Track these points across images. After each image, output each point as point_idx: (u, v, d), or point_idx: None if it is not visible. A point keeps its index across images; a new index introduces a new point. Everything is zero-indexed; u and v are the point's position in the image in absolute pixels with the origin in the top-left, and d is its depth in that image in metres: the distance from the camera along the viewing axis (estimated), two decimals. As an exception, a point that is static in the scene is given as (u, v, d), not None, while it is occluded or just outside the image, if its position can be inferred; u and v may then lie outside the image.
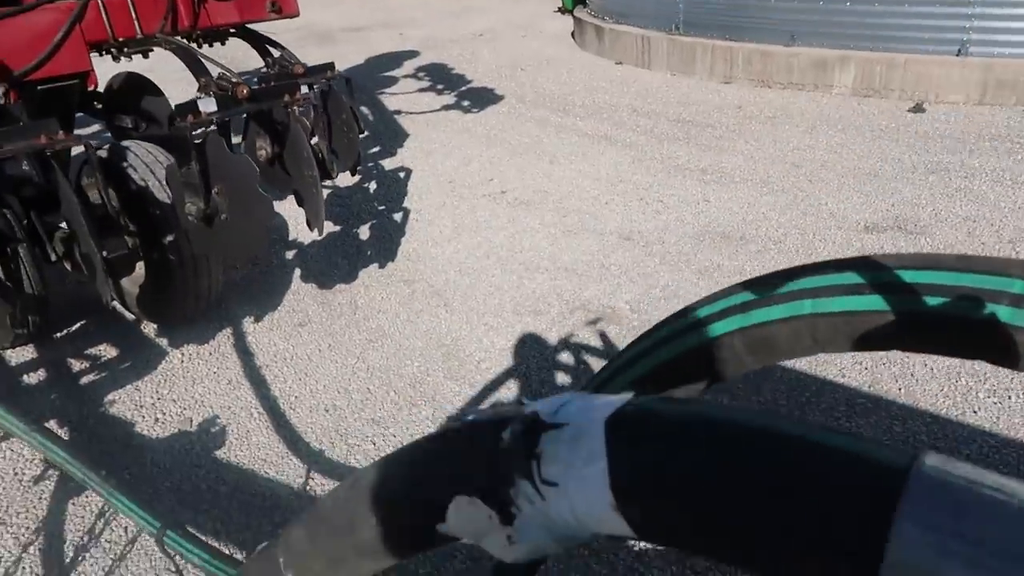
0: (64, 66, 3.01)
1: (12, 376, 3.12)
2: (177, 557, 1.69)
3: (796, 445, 0.34)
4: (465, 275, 3.78)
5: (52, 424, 2.76)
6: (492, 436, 0.45)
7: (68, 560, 2.18)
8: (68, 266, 2.86)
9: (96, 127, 5.64)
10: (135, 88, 3.91)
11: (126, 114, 4.00)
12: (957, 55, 6.02)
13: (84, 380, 3.09)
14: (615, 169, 5.10)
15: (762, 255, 3.74)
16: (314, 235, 3.59)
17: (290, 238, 4.34)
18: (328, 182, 3.92)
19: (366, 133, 4.11)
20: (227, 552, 1.97)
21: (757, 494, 0.34)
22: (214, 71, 3.11)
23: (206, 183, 2.87)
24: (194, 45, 3.45)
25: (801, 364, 2.83)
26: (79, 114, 3.91)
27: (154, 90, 3.90)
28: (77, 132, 3.20)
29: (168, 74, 4.57)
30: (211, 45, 3.75)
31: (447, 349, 3.16)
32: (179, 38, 3.33)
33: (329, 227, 4.30)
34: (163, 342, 3.32)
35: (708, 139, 5.59)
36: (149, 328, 3.43)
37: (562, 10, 11.84)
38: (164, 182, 2.97)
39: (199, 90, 3.13)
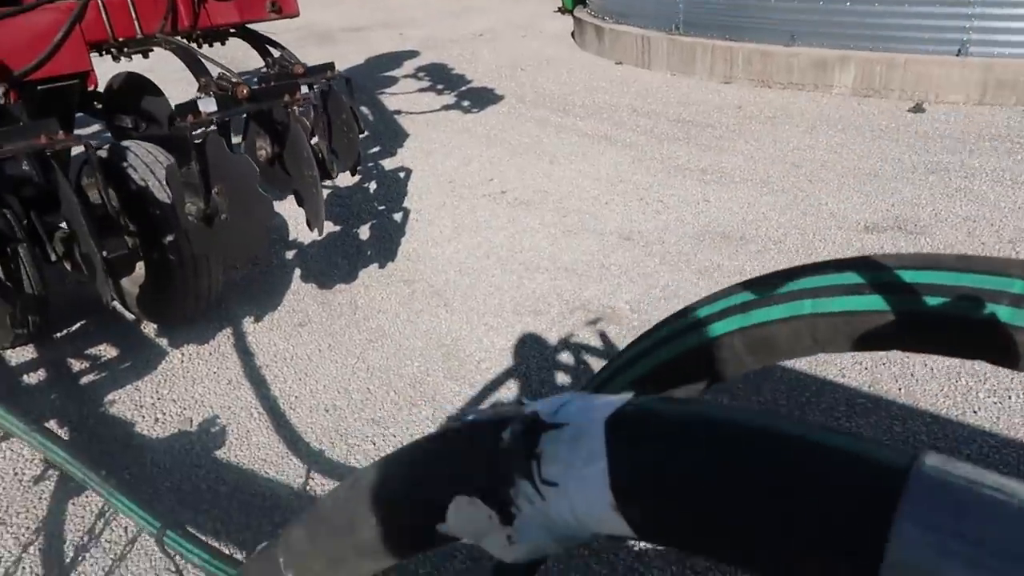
0: (64, 66, 3.01)
1: (12, 376, 3.12)
2: (177, 557, 1.69)
3: (796, 445, 0.34)
4: (465, 275, 3.79)
5: (52, 424, 2.76)
6: (492, 436, 0.45)
7: (68, 560, 2.18)
8: (68, 266, 2.86)
9: (96, 127, 5.64)
10: (135, 88, 3.91)
11: (126, 114, 4.00)
12: (957, 55, 6.02)
13: (84, 380, 3.09)
14: (615, 169, 5.10)
15: (762, 255, 3.74)
16: (314, 235, 3.59)
17: (290, 238, 4.34)
18: (328, 182, 3.91)
19: (366, 133, 4.11)
20: (227, 552, 1.96)
21: (757, 494, 0.34)
22: (214, 71, 3.11)
23: (206, 183, 2.87)
24: (194, 45, 3.45)
25: (801, 364, 2.83)
26: (79, 114, 3.91)
27: (154, 90, 3.90)
28: (77, 132, 3.20)
29: (168, 74, 4.57)
30: (211, 45, 3.75)
31: (447, 349, 3.16)
32: (179, 38, 3.33)
33: (329, 227, 4.30)
34: (163, 342, 3.32)
35: (708, 139, 5.59)
36: (149, 328, 3.43)
37: (562, 10, 11.84)
38: (164, 182, 2.97)
39: (199, 90, 3.13)
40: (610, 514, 0.39)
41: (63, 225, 2.81)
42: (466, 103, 7.04)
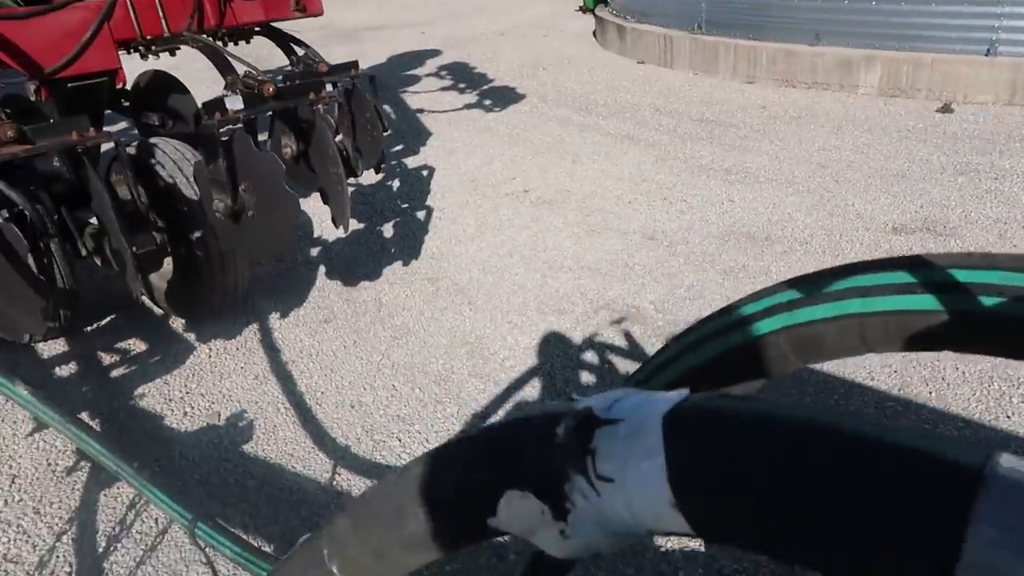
0: (93, 64, 3.05)
1: (45, 369, 3.17)
2: (208, 549, 1.71)
3: (868, 444, 0.34)
4: (489, 273, 3.79)
5: (84, 417, 2.80)
6: (545, 431, 0.45)
7: (100, 550, 2.21)
8: (98, 261, 2.90)
9: (123, 124, 5.72)
10: (162, 86, 3.97)
11: (153, 111, 4.06)
12: (986, 55, 5.93)
13: (114, 373, 3.13)
14: (638, 168, 5.09)
15: (788, 256, 3.71)
16: (339, 232, 3.62)
17: (315, 235, 4.37)
18: (352, 180, 3.94)
19: (389, 132, 4.13)
20: (255, 546, 1.98)
21: (827, 493, 0.34)
22: (240, 69, 3.14)
23: (233, 180, 2.90)
24: (219, 43, 3.48)
25: (829, 366, 2.80)
26: (106, 111, 3.96)
27: (180, 88, 3.95)
28: (105, 129, 3.24)
29: (193, 73, 4.62)
30: (236, 43, 3.78)
31: (471, 347, 3.17)
32: (205, 36, 3.37)
33: (353, 225, 4.33)
34: (191, 337, 3.36)
35: (732, 139, 5.55)
36: (177, 323, 3.47)
37: (583, 9, 11.82)
38: (192, 179, 3.01)
39: (226, 88, 3.16)
40: (668, 511, 0.39)
41: (93, 221, 2.85)
42: (488, 102, 7.05)
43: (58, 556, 2.21)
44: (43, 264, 2.84)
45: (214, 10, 3.42)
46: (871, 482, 0.33)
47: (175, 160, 3.08)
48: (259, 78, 3.06)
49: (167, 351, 3.26)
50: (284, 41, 3.71)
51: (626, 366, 2.98)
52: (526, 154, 5.55)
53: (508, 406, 2.79)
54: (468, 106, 7.01)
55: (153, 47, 3.46)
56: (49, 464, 2.62)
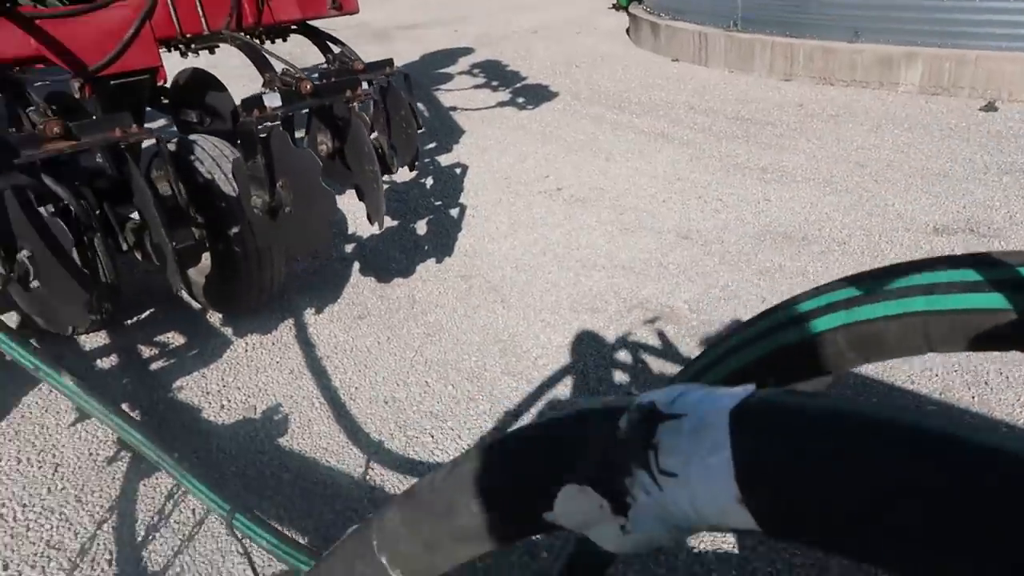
0: (135, 61, 3.10)
1: (87, 361, 3.23)
2: (244, 540, 1.73)
3: (945, 441, 0.33)
4: (522, 271, 3.79)
5: (124, 408, 2.85)
6: (606, 425, 0.44)
7: (139, 539, 2.25)
8: (138, 256, 2.95)
9: (162, 121, 5.82)
10: (200, 84, 4.03)
11: (191, 109, 4.12)
12: (1033, 51, 5.78)
13: (153, 366, 3.19)
14: (672, 167, 5.05)
15: (825, 256, 3.66)
16: (373, 229, 3.64)
17: (349, 232, 4.40)
18: (386, 177, 3.96)
19: (423, 129, 4.14)
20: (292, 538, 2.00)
21: (901, 491, 0.33)
22: (278, 67, 3.17)
23: (271, 176, 2.93)
24: (256, 41, 3.52)
25: (868, 369, 2.76)
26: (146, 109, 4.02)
27: (218, 86, 4.00)
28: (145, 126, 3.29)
29: (230, 70, 4.69)
30: (273, 41, 3.82)
31: (504, 344, 3.17)
32: (243, 34, 3.41)
33: (386, 222, 4.34)
34: (228, 331, 3.41)
35: (768, 137, 5.48)
36: (215, 317, 3.52)
37: (617, 7, 11.75)
38: (230, 175, 3.05)
39: (264, 85, 3.20)
40: (734, 506, 0.39)
41: (133, 216, 2.91)
42: (521, 100, 7.05)
43: (99, 544, 2.26)
44: (87, 258, 2.91)
45: (252, 9, 3.46)
46: (957, 484, 0.32)
47: (214, 157, 3.13)
48: (297, 76, 3.09)
49: (205, 345, 3.31)
50: (320, 39, 3.74)
51: (660, 366, 2.96)
52: (559, 152, 5.53)
53: (541, 404, 2.79)
54: (501, 104, 7.01)
55: (193, 45, 3.51)
56: (91, 454, 2.67)
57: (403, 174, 4.71)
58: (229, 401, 2.92)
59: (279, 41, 3.84)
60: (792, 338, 0.64)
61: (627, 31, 10.10)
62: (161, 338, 3.38)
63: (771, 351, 0.67)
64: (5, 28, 2.74)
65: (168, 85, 4.08)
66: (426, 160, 5.53)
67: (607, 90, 7.23)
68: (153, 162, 3.09)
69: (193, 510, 2.35)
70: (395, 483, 2.44)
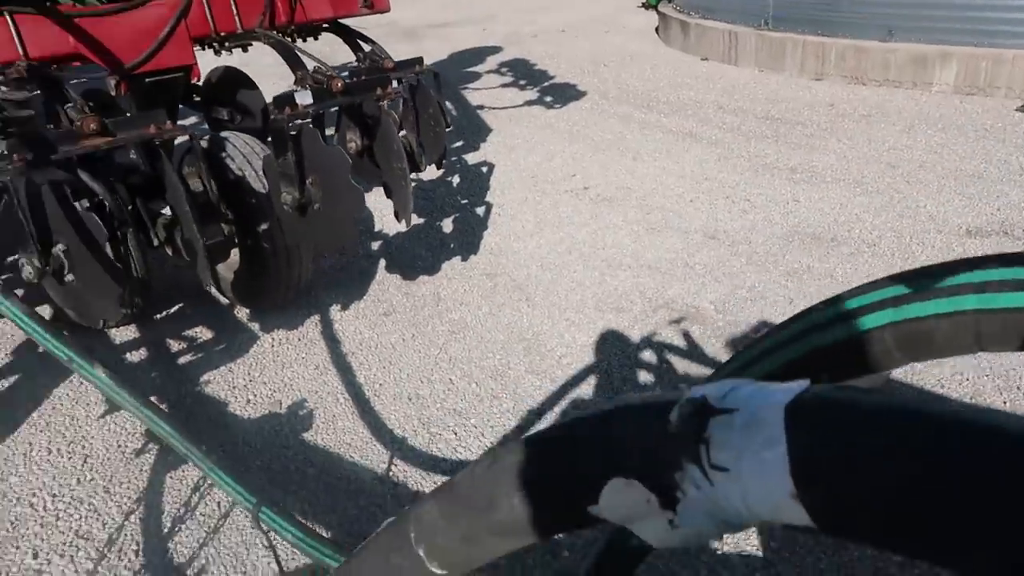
0: (170, 59, 3.13)
1: (117, 354, 3.28)
2: (270, 534, 1.74)
3: (1012, 437, 0.32)
4: (547, 270, 3.78)
5: (153, 401, 2.89)
6: (655, 419, 0.44)
7: (166, 530, 2.28)
8: (169, 251, 2.99)
9: (193, 119, 5.88)
10: (232, 82, 4.07)
11: (223, 106, 4.16)
12: (1072, 51, 5.66)
13: (181, 360, 3.22)
14: (700, 167, 5.01)
15: (855, 258, 3.61)
16: (399, 227, 3.65)
17: (375, 229, 4.42)
18: (412, 175, 3.98)
19: (451, 128, 4.15)
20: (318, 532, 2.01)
21: (966, 488, 0.32)
22: (309, 65, 3.19)
23: (301, 174, 2.95)
24: (288, 40, 3.55)
25: (896, 373, 2.71)
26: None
27: (249, 84, 4.04)
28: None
29: (261, 69, 4.73)
30: (304, 40, 3.85)
31: (528, 343, 3.16)
32: (276, 33, 3.44)
33: (413, 219, 4.36)
34: (255, 327, 3.44)
35: (798, 137, 5.42)
36: (242, 313, 3.55)
37: (645, 5, 11.70)
38: (260, 172, 3.07)
39: (296, 83, 3.22)
40: (788, 502, 0.38)
41: (164, 212, 2.94)
42: (548, 99, 7.04)
43: (126, 535, 2.29)
44: (119, 253, 2.95)
45: (285, 7, 3.49)
46: (1012, 477, 0.31)
47: (244, 154, 3.15)
48: (328, 74, 3.11)
49: (232, 340, 3.34)
50: (351, 38, 3.76)
51: (685, 366, 2.94)
52: (586, 151, 5.51)
53: (564, 403, 2.78)
54: (528, 103, 7.00)
55: (226, 43, 3.54)
56: (119, 446, 2.71)
57: (430, 172, 4.72)
58: (255, 396, 2.95)
59: (310, 39, 3.86)
60: (836, 336, 0.63)
61: (656, 30, 10.04)
62: (189, 333, 3.42)
63: (814, 349, 0.65)
64: (44, 26, 2.78)
65: (200, 83, 4.13)
66: (453, 158, 5.54)
67: (635, 89, 7.19)
68: (185, 159, 3.13)
69: (218, 503, 2.37)
70: (418, 479, 2.44)
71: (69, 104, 2.74)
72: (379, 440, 2.66)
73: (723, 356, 2.96)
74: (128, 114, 3.19)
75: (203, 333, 3.42)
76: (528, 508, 0.52)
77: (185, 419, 2.81)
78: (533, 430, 2.52)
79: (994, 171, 4.46)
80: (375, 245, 4.24)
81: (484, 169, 5.33)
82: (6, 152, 2.40)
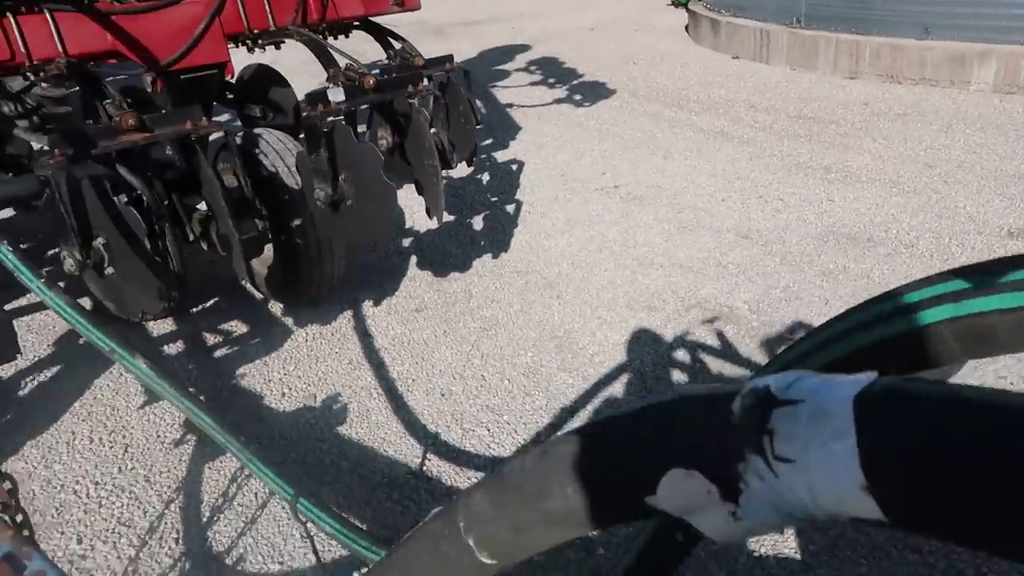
0: (205, 56, 3.18)
1: (154, 346, 3.34)
2: (308, 525, 1.76)
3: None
4: (578, 268, 3.77)
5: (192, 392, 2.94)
6: (717, 410, 0.44)
7: (204, 520, 2.32)
8: (204, 245, 3.03)
9: (225, 116, 5.96)
10: (264, 79, 4.12)
11: (255, 103, 4.22)
12: (1117, 48, 5.52)
13: (217, 354, 3.27)
14: (732, 165, 4.96)
15: (892, 258, 3.55)
16: (430, 223, 3.67)
17: (406, 226, 4.45)
18: (444, 172, 3.99)
19: (481, 125, 4.15)
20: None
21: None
22: (341, 62, 3.22)
23: (334, 170, 2.98)
24: (319, 37, 3.58)
25: (935, 375, 2.66)
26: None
27: (281, 81, 4.08)
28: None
29: (293, 66, 4.78)
30: (336, 38, 3.88)
31: (560, 341, 3.16)
32: (308, 30, 3.47)
33: (444, 217, 4.38)
34: (289, 321, 3.47)
35: (832, 136, 5.35)
36: (276, 307, 3.59)
37: (675, 4, 11.61)
38: (294, 169, 3.10)
39: (328, 80, 3.25)
40: (857, 494, 0.38)
41: (200, 207, 2.98)
42: (578, 97, 7.02)
43: (166, 523, 2.33)
44: (157, 247, 3.00)
45: (317, 5, 3.52)
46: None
47: (278, 151, 3.19)
48: (359, 71, 3.14)
49: (266, 334, 3.38)
50: (382, 35, 3.79)
51: (719, 366, 2.91)
52: (616, 149, 5.49)
53: (597, 401, 2.77)
54: (558, 101, 6.99)
55: (260, 41, 3.59)
56: (159, 436, 2.75)
57: (461, 170, 4.73)
58: (290, 389, 2.98)
59: (341, 37, 3.89)
60: (893, 330, 0.62)
61: (686, 28, 9.97)
62: (225, 326, 3.47)
63: (868, 345, 0.65)
64: (83, 24, 2.84)
65: (233, 80, 4.18)
66: (483, 156, 5.55)
67: (665, 87, 7.15)
68: (220, 155, 3.17)
69: (256, 494, 2.40)
70: (451, 475, 2.46)
71: (107, 100, 2.79)
72: (412, 435, 2.68)
73: (758, 356, 2.93)
74: (164, 111, 3.25)
75: (238, 327, 3.46)
76: (582, 498, 0.52)
77: (221, 411, 2.85)
78: (567, 427, 2.52)
79: (1036, 170, 4.36)
80: (406, 242, 4.27)
81: (514, 167, 5.33)
82: (47, 147, 2.45)
